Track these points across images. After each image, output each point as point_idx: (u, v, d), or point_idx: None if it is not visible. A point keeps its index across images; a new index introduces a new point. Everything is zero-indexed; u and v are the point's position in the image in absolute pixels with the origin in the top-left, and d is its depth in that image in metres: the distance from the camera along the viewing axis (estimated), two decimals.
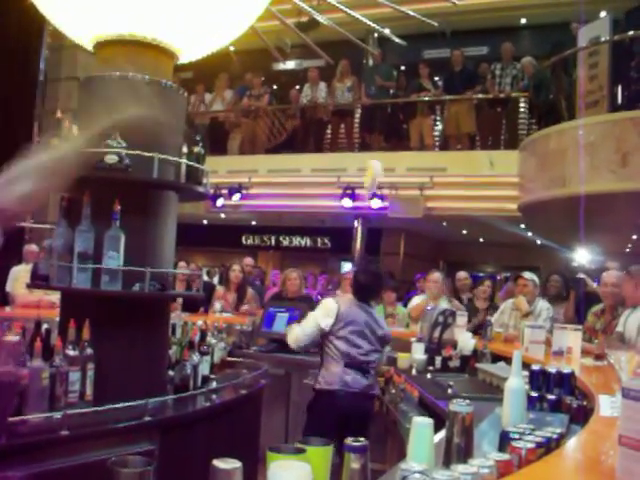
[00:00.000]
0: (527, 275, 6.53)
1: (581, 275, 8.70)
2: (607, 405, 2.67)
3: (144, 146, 3.46)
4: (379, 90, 12.09)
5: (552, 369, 3.14)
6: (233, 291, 7.96)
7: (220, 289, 8.15)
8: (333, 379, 4.38)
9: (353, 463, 1.73)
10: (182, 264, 8.13)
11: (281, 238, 15.70)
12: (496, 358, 5.09)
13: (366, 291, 4.63)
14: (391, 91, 12.29)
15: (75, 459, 2.71)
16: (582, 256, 11.74)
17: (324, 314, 4.49)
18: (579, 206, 7.52)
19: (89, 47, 3.81)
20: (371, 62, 13.12)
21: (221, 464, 1.48)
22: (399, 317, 7.64)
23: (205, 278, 10.16)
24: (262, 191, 12.21)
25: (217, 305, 7.58)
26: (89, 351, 3.14)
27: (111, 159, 3.34)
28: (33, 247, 7.57)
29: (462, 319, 6.00)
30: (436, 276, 6.99)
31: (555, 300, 6.94)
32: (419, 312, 6.58)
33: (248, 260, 9.20)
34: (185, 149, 3.73)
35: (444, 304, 6.43)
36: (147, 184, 3.57)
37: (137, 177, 3.47)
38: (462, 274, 8.48)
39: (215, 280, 10.70)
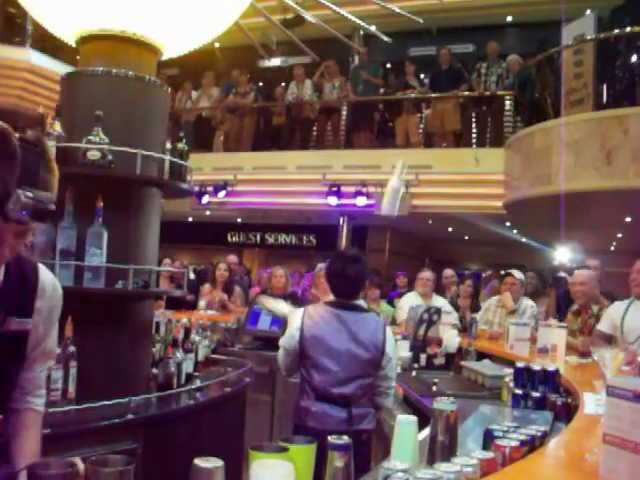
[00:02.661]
0: (517, 273, 6.54)
1: (562, 274, 8.74)
2: (591, 403, 2.68)
3: (127, 142, 3.44)
4: (366, 86, 12.07)
5: (537, 366, 3.15)
6: (219, 289, 7.94)
7: (207, 286, 8.13)
8: (305, 413, 3.47)
9: (336, 461, 1.72)
10: (167, 261, 8.11)
11: (267, 235, 15.68)
12: (481, 355, 5.10)
13: (346, 283, 3.56)
14: (381, 90, 12.28)
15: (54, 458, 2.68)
16: (563, 254, 11.81)
17: (292, 331, 3.58)
18: (564, 204, 7.56)
19: (72, 42, 3.78)
20: (357, 60, 13.10)
21: (202, 463, 1.46)
22: (383, 315, 7.63)
23: (192, 277, 10.11)
24: (247, 188, 12.19)
25: (202, 302, 7.55)
26: (71, 349, 3.11)
27: (93, 155, 3.32)
28: None
29: (448, 317, 6.01)
30: (428, 274, 6.97)
31: (532, 297, 6.96)
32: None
33: (232, 258, 9.16)
34: (169, 145, 3.71)
35: (438, 302, 6.45)
36: (130, 180, 3.54)
37: (120, 173, 3.44)
38: (448, 272, 8.50)
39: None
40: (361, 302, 3.66)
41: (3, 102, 9.35)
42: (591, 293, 5.43)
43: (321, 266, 6.68)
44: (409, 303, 7.02)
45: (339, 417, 3.39)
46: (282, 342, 3.62)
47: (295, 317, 3.62)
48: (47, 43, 10.91)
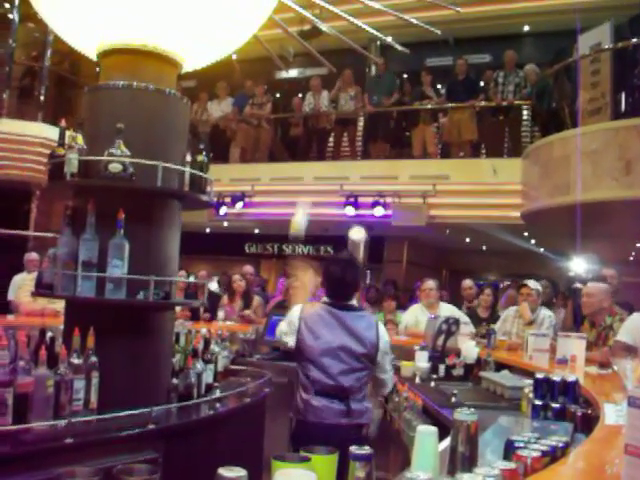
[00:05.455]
0: (531, 284, 6.53)
1: (578, 285, 8.70)
2: (612, 413, 2.67)
3: (148, 154, 3.47)
4: (381, 97, 12.09)
5: (556, 377, 3.14)
6: (238, 299, 7.98)
7: (225, 297, 8.17)
8: (305, 408, 3.62)
9: (358, 472, 1.72)
10: (182, 273, 8.14)
11: (284, 246, 15.68)
12: (500, 366, 5.08)
13: (341, 286, 3.76)
14: (394, 97, 12.28)
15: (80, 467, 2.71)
16: (579, 265, 11.75)
17: (288, 329, 3.77)
18: (582, 214, 7.53)
19: (93, 56, 3.83)
20: (374, 71, 13.12)
21: (226, 472, 1.48)
22: (401, 326, 7.64)
23: (215, 288, 10.14)
24: (265, 199, 12.22)
25: (220, 313, 7.59)
26: (93, 359, 3.13)
27: (115, 168, 3.35)
28: (34, 255, 7.58)
29: (466, 328, 5.99)
30: (430, 284, 6.96)
31: (546, 306, 6.93)
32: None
33: (248, 268, 9.18)
34: (189, 157, 3.74)
35: (445, 312, 6.42)
36: (151, 192, 3.58)
37: (141, 185, 3.47)
38: (467, 282, 8.47)
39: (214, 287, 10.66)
40: (354, 302, 3.85)
41: (19, 175, 10.04)
42: (597, 305, 5.39)
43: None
44: (412, 315, 7.03)
45: (339, 409, 3.55)
46: (280, 330, 3.84)
47: (292, 313, 3.80)
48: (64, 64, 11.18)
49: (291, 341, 3.72)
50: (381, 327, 3.80)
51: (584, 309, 5.55)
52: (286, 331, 3.77)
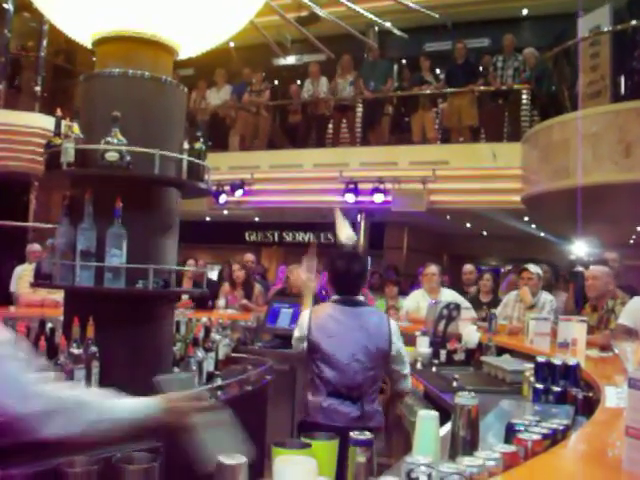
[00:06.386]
0: (532, 268, 6.52)
1: (579, 268, 8.69)
2: (613, 396, 2.66)
3: (145, 143, 3.46)
4: (377, 83, 12.05)
5: (557, 361, 3.13)
6: (240, 288, 7.98)
7: (226, 285, 8.17)
8: (315, 409, 3.52)
9: (359, 457, 1.72)
10: (191, 262, 8.15)
11: (284, 234, 15.69)
12: (501, 351, 5.08)
13: (352, 281, 3.69)
14: (395, 84, 12.24)
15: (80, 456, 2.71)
16: (581, 248, 11.73)
17: (300, 334, 3.68)
18: (583, 197, 7.51)
19: (88, 44, 3.81)
20: (371, 57, 13.08)
21: (226, 459, 1.48)
22: (403, 311, 7.64)
23: (214, 277, 10.17)
24: (264, 187, 12.20)
25: (221, 301, 7.59)
26: (93, 349, 3.13)
27: (112, 156, 3.34)
28: (36, 246, 7.58)
29: (467, 312, 5.98)
30: (433, 269, 6.96)
31: (546, 290, 6.92)
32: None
33: (249, 256, 9.17)
34: (186, 145, 3.72)
35: (447, 297, 6.42)
36: (149, 181, 3.56)
37: (138, 174, 3.46)
38: (468, 267, 8.46)
39: (213, 275, 10.67)
40: (362, 298, 3.79)
41: (18, 166, 9.99)
42: (603, 288, 5.40)
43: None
44: (414, 301, 7.04)
45: (350, 414, 3.43)
46: (294, 337, 3.72)
47: (302, 317, 3.72)
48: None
49: (305, 345, 3.61)
50: (392, 321, 3.74)
51: (589, 292, 5.55)
52: (299, 336, 3.66)
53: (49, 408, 1.67)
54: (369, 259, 12.82)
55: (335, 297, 3.71)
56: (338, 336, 3.53)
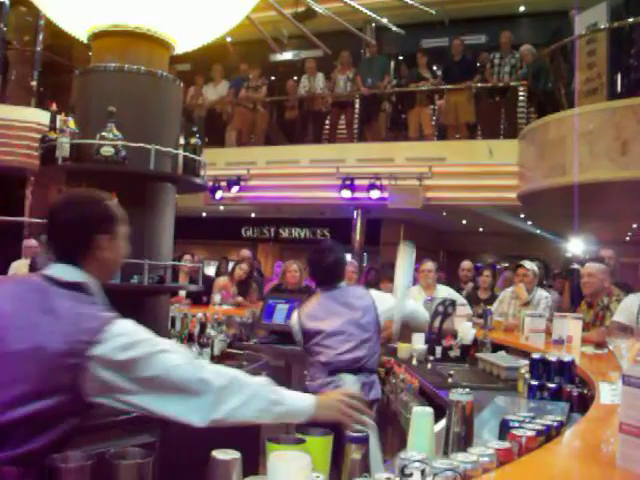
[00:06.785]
0: (528, 264, 6.53)
1: (575, 265, 8.70)
2: (607, 392, 2.67)
3: (140, 137, 3.45)
4: (374, 79, 12.04)
5: (552, 357, 3.14)
6: (234, 284, 7.97)
7: (222, 280, 8.16)
8: (315, 391, 3.38)
9: (354, 453, 1.72)
10: (187, 257, 8.14)
11: (280, 230, 15.69)
12: (496, 347, 5.09)
13: (325, 272, 3.93)
14: (386, 80, 12.22)
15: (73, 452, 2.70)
16: (577, 245, 11.75)
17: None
18: (579, 194, 7.51)
19: (84, 38, 3.80)
20: (368, 53, 13.07)
21: (220, 455, 1.48)
22: None
23: (211, 273, 10.15)
24: (261, 183, 12.20)
25: (217, 297, 7.58)
26: None
27: (107, 151, 3.33)
28: (32, 242, 7.57)
29: (463, 309, 5.98)
30: (429, 265, 6.94)
31: (538, 286, 6.92)
32: None
33: (245, 252, 9.16)
34: (182, 140, 3.72)
35: (442, 293, 6.41)
36: (144, 176, 3.56)
37: (134, 169, 3.46)
38: (466, 264, 8.44)
39: (210, 271, 10.65)
40: (344, 284, 4.01)
41: (14, 160, 9.99)
42: (599, 285, 5.41)
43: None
44: (410, 297, 7.02)
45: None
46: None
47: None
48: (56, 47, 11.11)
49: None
50: (373, 291, 4.09)
51: (585, 289, 5.56)
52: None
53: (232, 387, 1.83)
54: (365, 254, 12.84)
55: (318, 289, 3.99)
56: (327, 317, 3.76)
